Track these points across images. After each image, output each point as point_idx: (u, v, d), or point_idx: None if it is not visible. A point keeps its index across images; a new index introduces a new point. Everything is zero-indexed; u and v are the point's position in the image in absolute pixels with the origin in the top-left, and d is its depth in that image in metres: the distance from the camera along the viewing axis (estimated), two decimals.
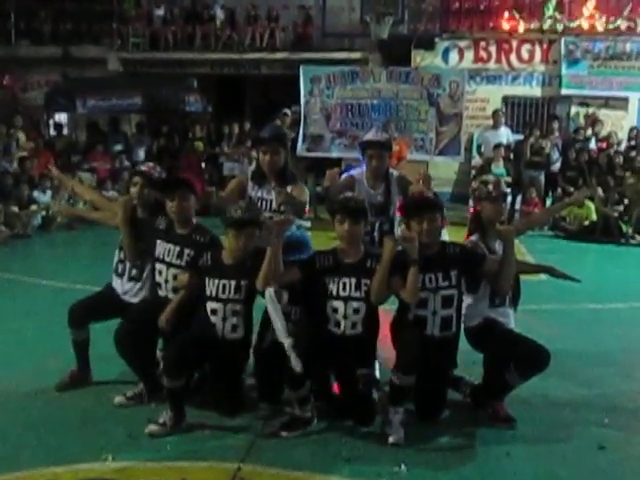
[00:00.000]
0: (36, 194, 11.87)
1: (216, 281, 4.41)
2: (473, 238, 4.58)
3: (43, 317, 6.34)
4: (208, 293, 4.42)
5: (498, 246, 4.49)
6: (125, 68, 16.49)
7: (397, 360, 4.20)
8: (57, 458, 3.85)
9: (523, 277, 4.66)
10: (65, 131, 16.60)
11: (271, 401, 4.55)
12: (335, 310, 4.30)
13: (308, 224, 5.21)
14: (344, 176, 5.14)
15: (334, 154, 13.57)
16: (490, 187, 4.54)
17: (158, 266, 4.68)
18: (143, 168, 5.05)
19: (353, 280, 4.28)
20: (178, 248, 4.63)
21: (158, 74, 16.58)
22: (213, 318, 4.39)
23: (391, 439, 4.11)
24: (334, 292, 4.29)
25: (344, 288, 4.28)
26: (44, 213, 11.76)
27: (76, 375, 4.89)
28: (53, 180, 11.45)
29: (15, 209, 11.33)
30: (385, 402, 4.33)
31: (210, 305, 4.41)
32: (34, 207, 11.64)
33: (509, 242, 4.36)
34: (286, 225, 4.28)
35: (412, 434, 4.21)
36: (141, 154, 15.29)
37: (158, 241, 4.68)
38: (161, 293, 4.67)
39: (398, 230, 5.33)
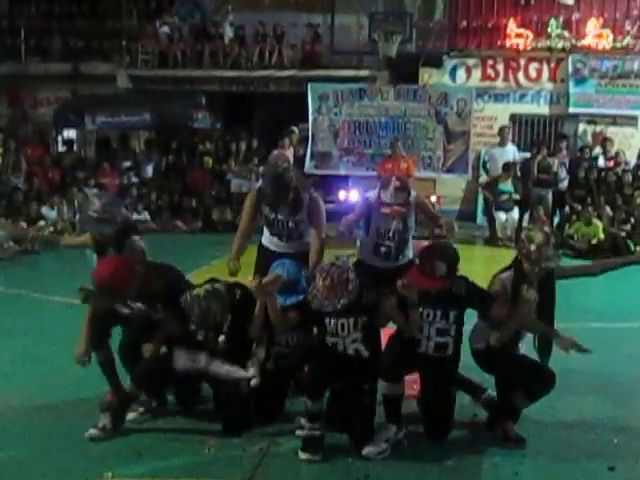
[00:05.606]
0: (44, 210, 11.90)
1: None
2: (503, 276, 4.45)
3: (50, 333, 6.33)
4: None
5: (525, 292, 4.28)
6: (134, 85, 16.53)
7: (380, 371, 4.26)
8: (62, 476, 3.82)
9: None
10: (74, 147, 16.67)
11: (266, 419, 4.52)
12: (334, 345, 4.34)
13: None
14: None
15: (342, 171, 13.61)
16: (532, 247, 4.32)
17: None
18: None
19: (351, 320, 4.29)
20: None
21: (167, 91, 16.62)
22: None
23: (364, 451, 4.12)
24: (333, 331, 4.32)
25: (342, 329, 4.30)
26: (52, 229, 11.79)
27: (113, 401, 4.53)
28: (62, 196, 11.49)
29: (23, 225, 11.37)
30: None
31: None
32: (42, 223, 11.67)
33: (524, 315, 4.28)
34: (276, 284, 4.36)
35: (419, 454, 4.19)
36: (149, 170, 15.34)
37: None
38: None
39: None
